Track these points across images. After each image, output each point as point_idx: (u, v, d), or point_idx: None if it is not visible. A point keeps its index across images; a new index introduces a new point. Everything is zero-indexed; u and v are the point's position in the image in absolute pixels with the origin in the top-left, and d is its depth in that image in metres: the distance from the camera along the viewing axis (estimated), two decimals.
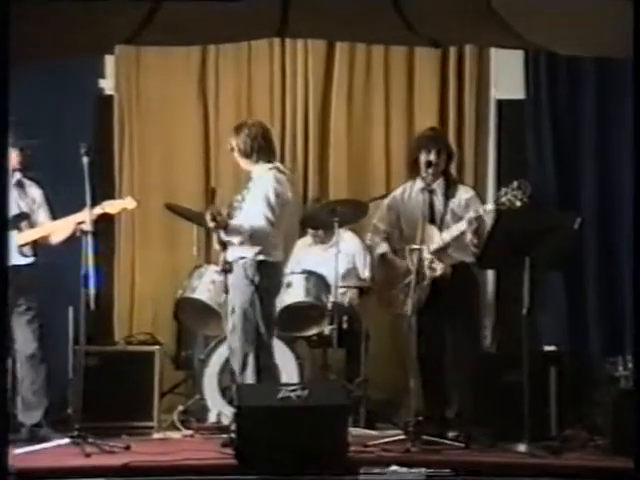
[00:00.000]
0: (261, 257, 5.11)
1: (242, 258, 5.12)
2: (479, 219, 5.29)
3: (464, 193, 5.50)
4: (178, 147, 6.87)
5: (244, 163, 5.30)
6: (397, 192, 5.65)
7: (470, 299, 5.47)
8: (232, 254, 5.17)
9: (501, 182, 6.58)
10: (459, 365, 5.38)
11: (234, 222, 5.11)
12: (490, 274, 6.67)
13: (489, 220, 5.27)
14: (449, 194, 5.46)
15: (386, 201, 5.71)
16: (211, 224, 5.11)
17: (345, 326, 6.05)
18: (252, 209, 5.14)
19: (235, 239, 5.09)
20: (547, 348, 6.00)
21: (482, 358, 5.75)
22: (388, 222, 5.64)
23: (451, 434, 5.28)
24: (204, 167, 6.86)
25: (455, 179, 5.69)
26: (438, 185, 5.48)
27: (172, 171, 6.87)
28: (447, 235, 5.35)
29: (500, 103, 6.81)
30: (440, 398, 5.46)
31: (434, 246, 5.35)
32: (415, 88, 6.84)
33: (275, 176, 5.19)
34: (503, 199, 5.12)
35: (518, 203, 5.09)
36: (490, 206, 5.22)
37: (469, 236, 5.30)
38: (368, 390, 6.02)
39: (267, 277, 5.12)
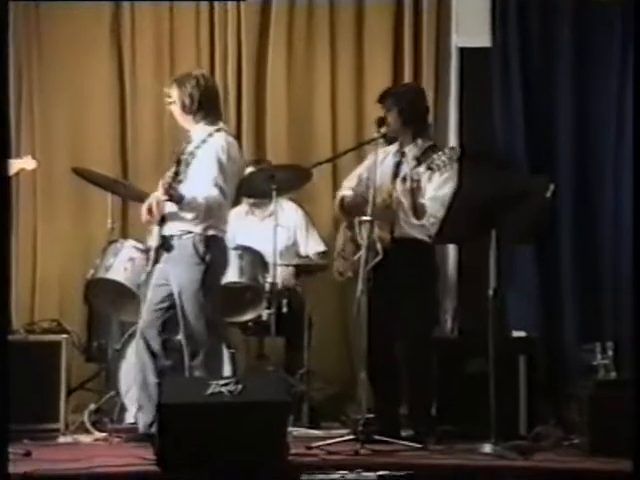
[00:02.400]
0: (212, 232, 5.19)
1: (189, 232, 5.16)
2: (414, 181, 5.34)
3: None
4: (88, 101, 6.84)
5: (185, 120, 5.28)
6: (376, 153, 5.65)
7: (423, 280, 5.49)
8: (172, 227, 5.19)
9: (464, 141, 6.63)
10: (414, 354, 5.41)
11: (188, 195, 5.08)
12: (451, 249, 6.70)
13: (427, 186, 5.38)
14: (422, 159, 5.48)
15: (365, 161, 5.77)
16: (163, 197, 5.06)
17: (285, 310, 6.05)
18: (202, 178, 5.14)
19: (189, 214, 5.11)
20: (516, 334, 6.08)
21: (442, 345, 5.79)
22: (356, 182, 5.69)
23: (406, 433, 5.31)
24: (119, 125, 6.83)
25: (434, 145, 5.69)
26: (411, 148, 5.55)
27: (81, 129, 6.83)
28: (388, 199, 5.39)
29: (462, 52, 6.79)
30: (393, 392, 5.49)
31: (365, 218, 5.38)
32: (365, 33, 6.85)
33: (226, 139, 5.23)
34: (434, 163, 5.28)
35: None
36: (422, 168, 5.34)
37: (404, 201, 5.34)
38: (311, 384, 6.05)
39: (218, 254, 5.22)
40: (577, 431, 5.33)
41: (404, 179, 5.34)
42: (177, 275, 5.20)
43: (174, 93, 5.26)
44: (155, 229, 5.23)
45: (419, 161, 5.47)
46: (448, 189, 5.40)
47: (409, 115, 5.54)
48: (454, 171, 5.47)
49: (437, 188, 5.39)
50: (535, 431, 5.48)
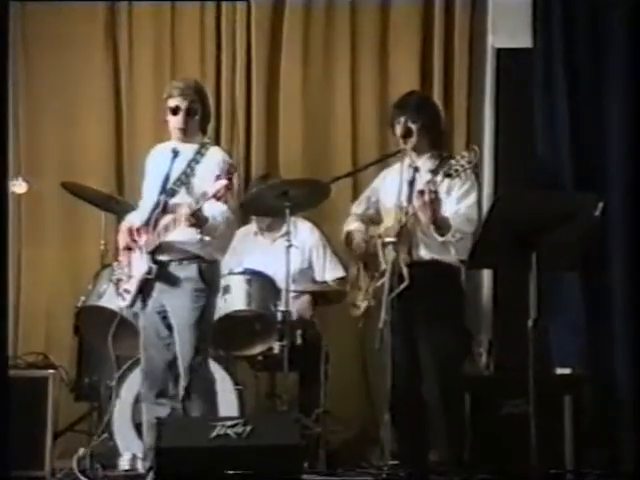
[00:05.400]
0: (218, 256, 5.32)
1: (195, 257, 5.20)
2: (432, 192, 5.31)
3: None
4: (79, 110, 6.92)
5: (187, 131, 5.30)
6: (384, 171, 5.81)
7: (448, 307, 5.49)
8: (171, 252, 5.22)
9: (500, 152, 6.66)
10: (442, 393, 5.39)
11: (209, 215, 5.13)
12: (486, 275, 6.71)
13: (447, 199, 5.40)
14: (437, 173, 5.46)
15: (374, 182, 5.86)
16: (187, 222, 5.05)
17: (299, 343, 6.05)
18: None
19: (207, 237, 5.16)
20: (560, 371, 6.02)
21: (476, 383, 5.78)
22: (365, 205, 5.78)
23: None
24: (114, 137, 6.89)
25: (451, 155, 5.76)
26: (424, 161, 5.55)
27: (71, 141, 6.92)
28: (403, 217, 5.39)
29: (499, 53, 6.82)
30: (421, 436, 5.47)
31: (389, 240, 5.41)
32: (390, 33, 6.90)
33: (222, 152, 5.45)
34: (452, 169, 5.24)
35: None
36: (439, 177, 5.32)
37: (422, 217, 5.33)
38: (328, 425, 6.04)
39: (217, 280, 5.37)
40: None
41: (421, 192, 5.31)
42: (177, 304, 5.23)
43: (186, 100, 5.29)
44: (140, 256, 5.25)
45: (435, 174, 5.46)
46: (471, 200, 5.47)
47: (427, 126, 5.57)
48: (473, 180, 5.49)
49: (458, 200, 5.43)
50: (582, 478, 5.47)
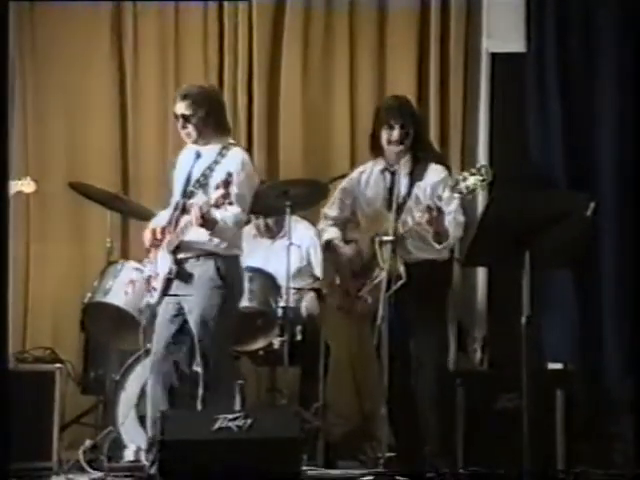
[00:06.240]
0: (235, 251, 5.33)
1: (210, 254, 5.23)
2: (437, 208, 5.37)
3: (434, 175, 5.56)
4: (85, 109, 6.90)
5: (198, 137, 5.34)
6: (354, 174, 5.84)
7: (436, 305, 5.59)
8: (189, 250, 5.26)
9: (494, 153, 6.66)
10: (429, 387, 5.48)
11: (220, 220, 5.17)
12: (481, 273, 6.71)
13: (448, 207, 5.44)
14: (415, 176, 5.54)
15: (341, 184, 5.88)
16: (197, 222, 5.10)
17: (299, 338, 6.06)
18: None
19: (216, 239, 5.20)
20: (552, 366, 6.09)
21: (470, 379, 5.78)
22: (339, 208, 5.81)
23: (431, 474, 5.30)
24: (120, 136, 6.89)
25: (427, 156, 5.74)
26: (403, 164, 5.58)
27: (78, 140, 6.89)
28: (400, 227, 5.42)
29: (494, 57, 6.82)
30: (414, 429, 5.51)
31: (387, 238, 5.42)
32: (387, 37, 6.88)
33: (243, 153, 5.40)
34: (462, 185, 5.18)
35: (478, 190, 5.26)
36: (447, 194, 5.35)
37: (426, 227, 5.39)
38: (327, 419, 6.02)
39: (237, 276, 5.36)
40: (621, 474, 5.32)
41: (428, 208, 5.33)
42: (195, 301, 5.25)
43: (189, 108, 5.33)
44: (164, 255, 5.29)
45: (412, 178, 5.52)
46: (455, 204, 5.50)
47: (417, 131, 5.62)
48: None
49: (445, 205, 5.45)
50: (574, 473, 5.45)
